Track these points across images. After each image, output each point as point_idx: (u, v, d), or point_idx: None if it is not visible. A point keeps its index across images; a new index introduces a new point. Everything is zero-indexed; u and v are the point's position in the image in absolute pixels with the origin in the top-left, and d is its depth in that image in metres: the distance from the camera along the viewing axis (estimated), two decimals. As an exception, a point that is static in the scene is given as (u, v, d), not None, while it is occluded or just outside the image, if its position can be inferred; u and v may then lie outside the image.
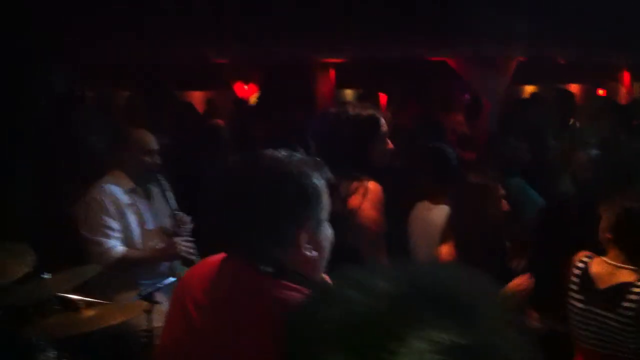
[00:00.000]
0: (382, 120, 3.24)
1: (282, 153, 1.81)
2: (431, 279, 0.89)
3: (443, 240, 3.73)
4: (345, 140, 3.11)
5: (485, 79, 8.95)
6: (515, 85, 11.26)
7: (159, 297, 3.48)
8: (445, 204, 3.93)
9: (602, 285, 2.94)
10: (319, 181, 1.79)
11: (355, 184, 3.03)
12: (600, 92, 12.00)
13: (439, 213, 3.91)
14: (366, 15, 8.15)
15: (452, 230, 3.65)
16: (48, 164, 4.72)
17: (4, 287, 2.98)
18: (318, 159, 1.87)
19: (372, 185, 3.05)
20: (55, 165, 4.72)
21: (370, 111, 3.22)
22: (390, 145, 3.28)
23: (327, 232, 1.86)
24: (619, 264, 2.94)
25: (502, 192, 3.67)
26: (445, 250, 3.65)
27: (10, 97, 5.36)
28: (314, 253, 1.80)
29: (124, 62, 9.77)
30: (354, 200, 3.02)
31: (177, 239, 3.94)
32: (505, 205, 3.63)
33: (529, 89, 12.72)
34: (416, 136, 6.16)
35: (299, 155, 1.83)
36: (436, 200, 4.05)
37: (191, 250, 3.94)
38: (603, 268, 2.98)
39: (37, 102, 5.50)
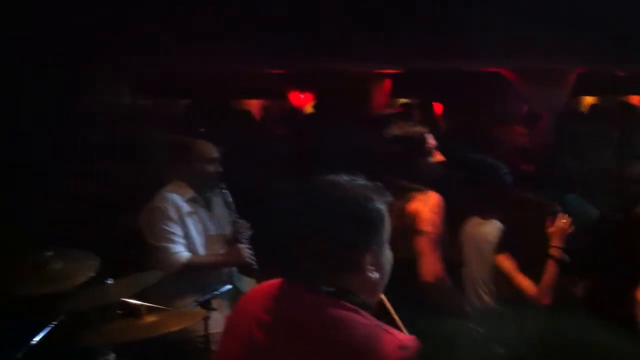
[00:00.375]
0: (428, 136, 3.40)
1: (345, 178, 1.86)
2: None
3: (498, 254, 3.75)
4: (394, 158, 3.31)
5: (543, 90, 8.84)
6: (575, 98, 11.08)
7: (215, 303, 3.56)
8: (496, 219, 3.94)
9: None
10: (382, 205, 1.85)
11: (414, 193, 3.18)
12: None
13: (489, 229, 3.94)
14: (421, 27, 8.12)
15: (507, 247, 3.67)
16: (111, 172, 4.86)
17: (67, 292, 3.09)
18: (379, 183, 1.90)
19: (432, 194, 3.19)
20: (118, 174, 4.85)
21: (415, 129, 3.40)
22: (441, 157, 3.41)
23: (388, 254, 1.91)
24: None
25: (558, 208, 3.67)
26: (506, 264, 3.67)
27: (74, 108, 5.53)
28: (376, 275, 1.85)
29: (182, 72, 9.96)
30: (413, 205, 3.16)
31: (240, 245, 4.03)
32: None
33: (589, 100, 12.51)
34: (469, 150, 6.12)
35: (360, 180, 1.87)
36: (486, 216, 4.06)
37: (252, 258, 4.03)
38: None
39: (100, 113, 5.66)
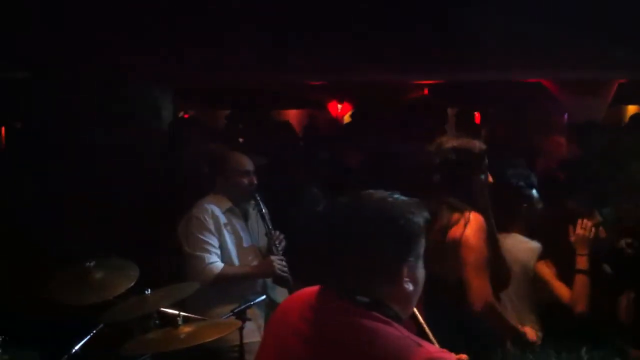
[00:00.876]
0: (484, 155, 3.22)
1: (385, 193, 1.92)
2: None
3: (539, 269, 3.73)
4: (451, 170, 3.13)
5: (583, 100, 8.75)
6: (616, 107, 10.91)
7: (250, 313, 3.63)
8: (517, 232, 3.87)
9: None
10: (420, 220, 1.90)
11: (456, 215, 3.03)
12: None
13: (510, 242, 3.83)
14: (458, 37, 8.11)
15: (547, 254, 3.65)
16: (154, 184, 4.97)
17: (108, 302, 3.19)
18: (416, 199, 1.95)
19: (474, 216, 3.03)
20: (160, 185, 4.96)
21: (476, 143, 3.22)
22: (491, 179, 3.25)
23: (422, 268, 1.95)
24: None
25: (599, 218, 3.63)
26: (545, 271, 3.65)
27: (114, 116, 5.66)
28: (411, 287, 1.90)
29: (222, 85, 10.09)
30: (457, 231, 3.02)
31: (273, 257, 4.09)
32: (602, 232, 3.60)
33: (632, 109, 12.31)
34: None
35: (400, 196, 1.93)
36: (507, 229, 3.88)
37: (285, 269, 4.08)
38: None
39: (143, 125, 5.79)
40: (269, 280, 4.23)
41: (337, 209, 1.93)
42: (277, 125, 9.56)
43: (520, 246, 3.81)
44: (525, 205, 3.90)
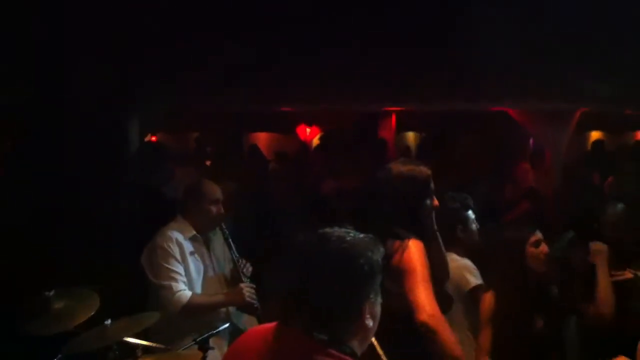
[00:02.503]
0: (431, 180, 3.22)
1: (342, 232, 1.96)
2: None
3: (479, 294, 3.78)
4: (398, 197, 3.12)
5: (547, 128, 8.90)
6: (579, 135, 11.11)
7: (214, 342, 3.59)
8: (454, 252, 3.92)
9: None
10: (379, 257, 1.96)
11: (397, 243, 3.01)
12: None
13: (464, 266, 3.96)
14: (425, 66, 8.23)
15: (489, 285, 3.71)
16: (114, 209, 4.93)
17: (68, 332, 3.14)
18: (373, 236, 2.00)
19: (412, 242, 3.00)
20: (120, 211, 4.92)
21: (423, 168, 3.21)
22: (436, 202, 3.25)
23: (380, 303, 1.99)
24: None
25: (539, 236, 3.69)
26: (487, 301, 3.70)
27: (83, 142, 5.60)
28: (371, 323, 1.95)
29: (193, 108, 10.06)
30: (396, 259, 2.99)
31: (242, 285, 4.07)
32: (544, 247, 3.66)
33: (595, 135, 12.54)
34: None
35: (359, 234, 1.98)
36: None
37: (254, 296, 4.06)
38: None
39: (109, 148, 5.75)
40: (232, 308, 4.21)
41: (297, 249, 1.95)
42: (245, 149, 9.60)
43: (453, 264, 3.81)
44: (460, 226, 4.01)
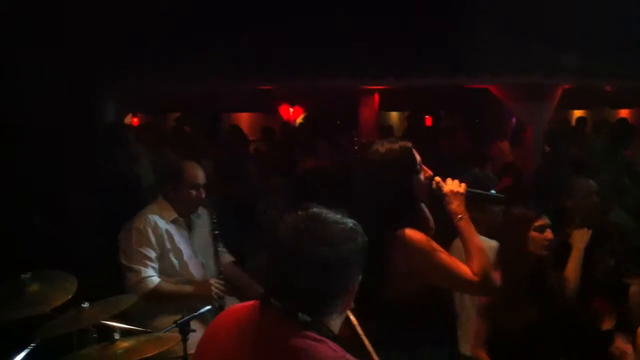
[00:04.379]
0: (415, 153, 2.99)
1: (331, 214, 1.92)
2: None
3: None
4: (384, 179, 2.92)
5: (529, 106, 8.90)
6: (561, 112, 11.14)
7: (195, 325, 3.56)
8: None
9: None
10: (365, 239, 1.94)
11: (392, 233, 2.82)
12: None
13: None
14: (407, 43, 8.22)
15: (497, 261, 3.65)
16: (94, 193, 4.86)
17: (44, 315, 3.09)
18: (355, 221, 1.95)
19: (409, 232, 2.83)
20: (101, 195, 4.86)
21: (402, 143, 3.01)
22: (429, 172, 3.03)
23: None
24: None
25: (546, 221, 3.65)
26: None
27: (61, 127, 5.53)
28: (352, 303, 1.95)
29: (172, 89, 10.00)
30: (390, 251, 2.83)
31: (212, 280, 4.02)
32: (549, 234, 3.62)
33: (577, 113, 12.58)
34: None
35: (344, 215, 1.94)
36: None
37: (222, 294, 4.00)
38: None
39: (87, 133, 5.67)
40: None
41: (288, 231, 1.89)
42: (227, 129, 9.51)
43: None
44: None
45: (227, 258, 4.41)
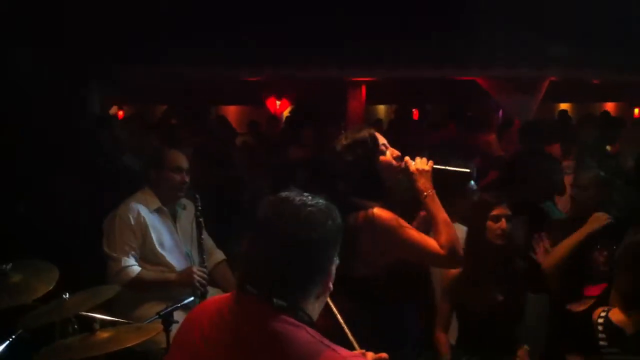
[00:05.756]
0: (378, 137, 3.11)
1: (305, 196, 1.91)
2: None
3: None
4: (350, 167, 3.04)
5: (515, 98, 8.92)
6: (548, 104, 11.17)
7: (178, 316, 3.54)
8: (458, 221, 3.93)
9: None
10: (340, 219, 1.94)
11: (362, 213, 2.94)
12: (636, 111, 11.85)
13: None
14: (395, 35, 8.21)
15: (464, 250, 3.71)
16: (80, 182, 4.83)
17: (26, 306, 3.07)
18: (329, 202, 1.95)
19: (378, 211, 2.94)
20: (87, 185, 4.83)
21: (365, 130, 3.13)
22: (397, 152, 3.13)
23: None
24: None
25: (503, 211, 3.68)
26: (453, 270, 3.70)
27: (47, 115, 5.50)
28: (331, 285, 1.93)
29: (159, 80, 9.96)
30: (360, 230, 2.93)
31: (194, 268, 4.00)
32: (503, 223, 3.66)
33: (563, 106, 12.62)
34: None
35: (317, 198, 1.93)
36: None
37: (204, 282, 3.98)
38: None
39: (73, 121, 5.64)
40: None
41: (260, 217, 1.89)
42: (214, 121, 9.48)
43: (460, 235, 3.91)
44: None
45: (218, 256, 4.40)
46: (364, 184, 3.03)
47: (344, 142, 3.09)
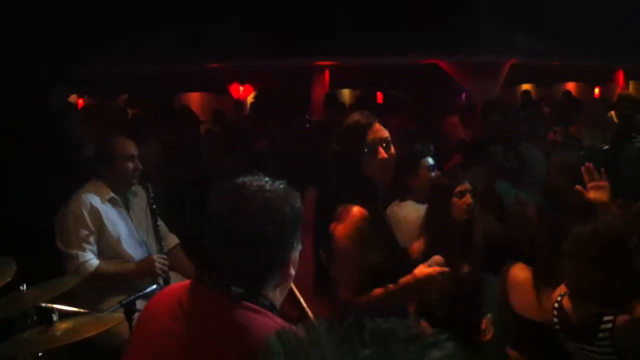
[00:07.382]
0: (374, 126, 2.90)
1: (261, 180, 1.86)
2: None
3: (418, 237, 3.80)
4: (334, 158, 2.92)
5: (477, 80, 8.98)
6: (509, 87, 11.27)
7: (140, 304, 3.50)
8: (412, 199, 4.13)
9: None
10: (300, 204, 1.90)
11: (341, 208, 2.86)
12: (597, 91, 12.02)
13: (408, 209, 4.11)
14: (360, 19, 8.20)
15: (424, 227, 3.75)
16: (33, 173, 4.75)
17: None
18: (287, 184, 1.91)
19: (353, 210, 2.83)
20: (39, 175, 4.74)
21: (355, 117, 2.93)
22: (384, 154, 2.90)
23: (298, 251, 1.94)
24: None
25: (467, 187, 3.72)
26: (416, 247, 3.71)
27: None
28: (293, 271, 1.90)
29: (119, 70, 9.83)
30: (334, 225, 2.87)
31: (155, 256, 3.97)
32: (468, 199, 3.69)
33: (526, 87, 12.74)
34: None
35: (277, 182, 1.88)
36: (403, 197, 4.21)
37: (165, 268, 3.96)
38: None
39: (30, 113, 5.53)
40: None
41: (213, 204, 1.85)
42: (176, 109, 9.38)
43: (414, 213, 4.02)
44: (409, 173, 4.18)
45: (171, 240, 4.36)
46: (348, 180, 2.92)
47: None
